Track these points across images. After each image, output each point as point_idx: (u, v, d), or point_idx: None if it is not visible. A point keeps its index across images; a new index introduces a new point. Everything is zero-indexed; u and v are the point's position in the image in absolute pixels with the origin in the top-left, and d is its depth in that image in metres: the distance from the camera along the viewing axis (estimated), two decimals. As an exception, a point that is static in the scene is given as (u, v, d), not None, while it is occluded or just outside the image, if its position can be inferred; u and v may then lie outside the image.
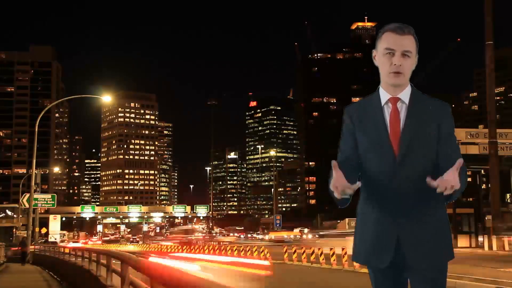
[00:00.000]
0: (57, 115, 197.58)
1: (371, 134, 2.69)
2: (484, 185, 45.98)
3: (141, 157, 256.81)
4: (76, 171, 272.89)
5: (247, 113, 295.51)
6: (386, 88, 2.81)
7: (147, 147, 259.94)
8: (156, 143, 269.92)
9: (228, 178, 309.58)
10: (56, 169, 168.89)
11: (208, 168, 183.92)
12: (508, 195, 49.86)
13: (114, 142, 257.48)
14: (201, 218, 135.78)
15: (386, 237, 2.69)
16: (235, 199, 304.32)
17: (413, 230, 2.67)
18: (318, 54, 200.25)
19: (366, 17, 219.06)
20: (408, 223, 2.67)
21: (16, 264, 31.17)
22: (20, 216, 65.76)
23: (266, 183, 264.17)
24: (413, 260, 2.65)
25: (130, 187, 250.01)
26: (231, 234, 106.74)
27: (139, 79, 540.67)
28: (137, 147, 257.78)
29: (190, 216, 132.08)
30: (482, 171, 39.35)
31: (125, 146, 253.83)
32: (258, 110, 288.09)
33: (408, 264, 2.67)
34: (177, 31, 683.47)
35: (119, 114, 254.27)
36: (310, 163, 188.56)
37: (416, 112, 2.74)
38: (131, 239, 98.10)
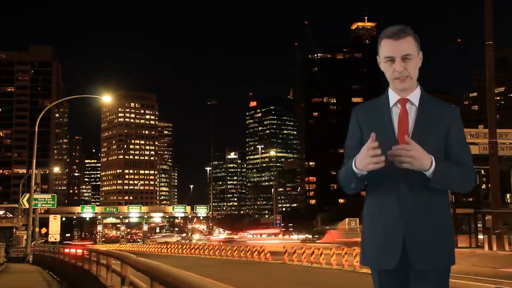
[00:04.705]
0: (57, 115, 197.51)
1: (379, 135, 2.66)
2: (484, 185, 45.98)
3: (141, 157, 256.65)
4: (76, 171, 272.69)
5: (247, 113, 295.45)
6: (395, 90, 2.82)
7: (147, 147, 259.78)
8: (156, 143, 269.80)
9: (228, 178, 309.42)
10: (56, 169, 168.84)
11: (208, 168, 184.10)
12: (508, 195, 49.82)
13: (114, 142, 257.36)
14: (201, 218, 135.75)
15: (394, 239, 2.69)
16: (235, 199, 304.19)
17: (418, 231, 2.68)
18: (318, 54, 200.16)
19: (366, 17, 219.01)
20: (414, 225, 2.68)
21: (16, 264, 31.15)
22: (20, 216, 65.72)
23: (266, 183, 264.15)
24: (417, 261, 2.67)
25: (130, 187, 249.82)
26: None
27: (139, 79, 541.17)
28: (137, 147, 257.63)
29: (190, 216, 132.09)
30: (482, 171, 39.32)
31: (125, 146, 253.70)
32: (258, 110, 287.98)
33: (412, 265, 2.69)
34: (178, 32, 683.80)
35: (119, 114, 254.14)
36: (310, 163, 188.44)
37: (425, 114, 2.74)
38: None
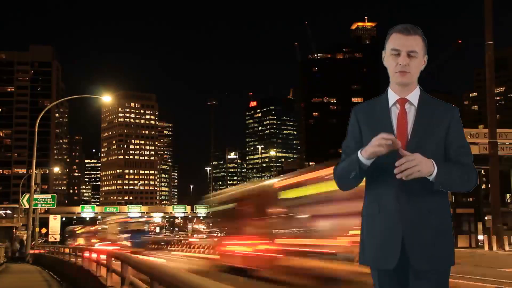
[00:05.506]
0: (57, 115, 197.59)
1: (377, 135, 2.65)
2: (484, 185, 45.99)
3: (141, 157, 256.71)
4: (76, 171, 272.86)
5: (247, 113, 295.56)
6: (394, 89, 2.81)
7: (147, 147, 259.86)
8: (156, 143, 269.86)
9: (228, 178, 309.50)
10: (56, 169, 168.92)
11: (208, 168, 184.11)
12: (508, 195, 49.82)
13: (114, 142, 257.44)
14: (201, 218, 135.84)
15: (393, 239, 2.69)
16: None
17: (418, 232, 2.67)
18: (318, 54, 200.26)
19: (366, 17, 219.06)
20: (413, 225, 2.68)
21: (16, 264, 31.16)
22: (20, 216, 65.70)
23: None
24: (417, 262, 2.67)
25: (130, 187, 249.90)
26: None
27: (139, 79, 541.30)
28: (137, 147, 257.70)
29: (190, 216, 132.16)
30: (482, 171, 39.34)
31: (125, 146, 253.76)
32: (258, 110, 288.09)
33: (412, 265, 2.69)
34: (177, 32, 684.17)
35: (119, 114, 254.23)
36: (310, 163, 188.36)
37: (424, 114, 2.74)
38: None
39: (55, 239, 47.73)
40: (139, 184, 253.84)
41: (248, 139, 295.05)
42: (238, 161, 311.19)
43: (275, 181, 16.76)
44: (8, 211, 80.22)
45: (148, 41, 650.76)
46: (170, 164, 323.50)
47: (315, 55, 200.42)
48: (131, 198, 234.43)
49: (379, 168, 2.71)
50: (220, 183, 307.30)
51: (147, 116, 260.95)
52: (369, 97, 3.06)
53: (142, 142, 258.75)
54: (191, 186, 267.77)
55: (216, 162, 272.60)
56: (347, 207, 11.10)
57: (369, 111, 2.83)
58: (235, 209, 19.69)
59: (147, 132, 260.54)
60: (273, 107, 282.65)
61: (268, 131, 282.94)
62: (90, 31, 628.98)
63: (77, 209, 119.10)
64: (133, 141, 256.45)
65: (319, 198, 13.14)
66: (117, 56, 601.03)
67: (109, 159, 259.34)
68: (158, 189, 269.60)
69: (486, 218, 35.77)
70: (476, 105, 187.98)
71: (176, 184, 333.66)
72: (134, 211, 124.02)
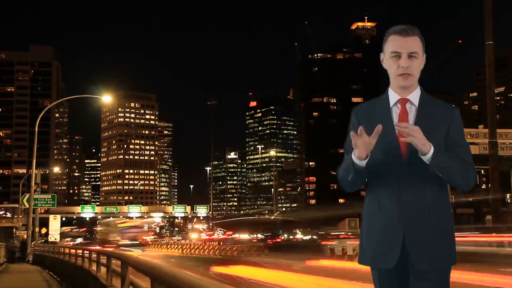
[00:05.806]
0: (57, 115, 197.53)
1: (379, 135, 2.64)
2: (484, 185, 46.00)
3: (141, 157, 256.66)
4: (76, 171, 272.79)
5: (247, 113, 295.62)
6: (395, 90, 2.81)
7: (147, 147, 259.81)
8: (156, 143, 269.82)
9: (228, 178, 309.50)
10: (56, 169, 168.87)
11: (208, 168, 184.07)
12: (508, 195, 49.83)
13: (114, 142, 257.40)
14: (201, 218, 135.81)
15: (393, 238, 2.68)
16: (235, 199, 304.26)
17: (418, 231, 2.67)
18: (318, 54, 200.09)
19: (366, 17, 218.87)
20: (414, 224, 2.67)
21: (16, 264, 31.16)
22: (20, 216, 65.70)
23: (266, 183, 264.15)
24: (417, 261, 2.66)
25: (130, 187, 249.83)
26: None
27: (139, 79, 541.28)
28: (137, 147, 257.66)
29: (190, 216, 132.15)
30: (482, 171, 39.31)
31: (125, 146, 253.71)
32: (258, 110, 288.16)
33: (412, 265, 2.68)
34: (177, 32, 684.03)
35: (119, 114, 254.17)
36: (310, 163, 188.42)
37: (425, 114, 2.74)
38: None
39: (55, 239, 47.73)
40: (139, 184, 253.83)
41: (248, 139, 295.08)
42: (238, 161, 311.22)
43: (116, 220, 67.63)
44: (8, 213, 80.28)
45: (148, 41, 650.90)
46: (170, 164, 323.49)
47: (315, 55, 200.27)
48: (131, 198, 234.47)
49: (380, 168, 2.72)
50: (220, 183, 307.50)
51: (147, 116, 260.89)
52: (369, 97, 3.07)
53: (142, 142, 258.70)
54: (191, 186, 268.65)
55: (216, 162, 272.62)
56: (141, 229, 64.33)
57: (369, 111, 2.83)
58: (105, 230, 62.98)
59: (147, 132, 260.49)
60: (273, 107, 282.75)
61: (268, 131, 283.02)
62: (90, 31, 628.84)
63: (77, 209, 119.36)
64: (133, 141, 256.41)
65: (131, 225, 63.91)
66: (117, 56, 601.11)
67: (109, 159, 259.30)
68: (158, 189, 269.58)
69: (486, 218, 35.83)
70: (476, 105, 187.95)
71: (176, 184, 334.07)
72: (134, 211, 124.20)
